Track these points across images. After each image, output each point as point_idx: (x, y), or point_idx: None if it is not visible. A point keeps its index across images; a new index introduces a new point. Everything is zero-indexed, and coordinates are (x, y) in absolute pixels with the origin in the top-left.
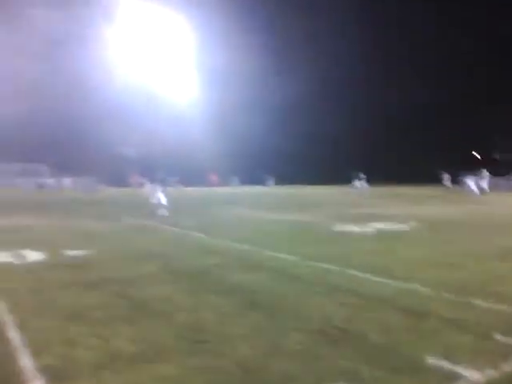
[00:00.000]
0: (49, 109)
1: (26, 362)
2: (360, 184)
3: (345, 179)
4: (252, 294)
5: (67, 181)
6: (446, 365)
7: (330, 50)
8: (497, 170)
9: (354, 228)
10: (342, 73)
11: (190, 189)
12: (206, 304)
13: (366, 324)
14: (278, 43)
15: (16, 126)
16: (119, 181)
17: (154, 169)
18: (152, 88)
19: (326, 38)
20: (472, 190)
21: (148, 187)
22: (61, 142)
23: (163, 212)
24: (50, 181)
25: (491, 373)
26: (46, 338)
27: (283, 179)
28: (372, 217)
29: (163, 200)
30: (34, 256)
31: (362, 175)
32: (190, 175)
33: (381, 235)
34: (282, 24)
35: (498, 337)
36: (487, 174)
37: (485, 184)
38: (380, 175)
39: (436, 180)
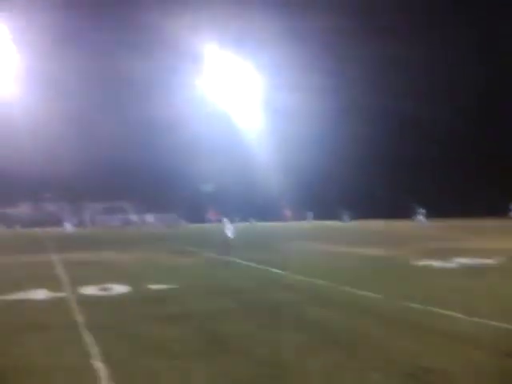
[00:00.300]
0: (131, 151)
1: None
2: (422, 218)
3: (402, 213)
4: (332, 331)
5: (150, 217)
6: None
7: (394, 88)
8: None
9: (436, 263)
10: (406, 111)
11: (264, 224)
12: (284, 339)
13: (451, 365)
14: (341, 83)
15: (102, 166)
16: (198, 217)
17: (228, 204)
18: (227, 127)
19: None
20: None
21: (223, 222)
22: (143, 181)
23: (231, 244)
24: (134, 217)
25: None
26: (129, 371)
27: (357, 213)
28: (453, 251)
29: (231, 234)
30: (119, 289)
31: (421, 209)
32: (265, 211)
33: (466, 270)
34: (346, 65)
35: None
36: None
37: None
38: (434, 208)
39: (497, 211)
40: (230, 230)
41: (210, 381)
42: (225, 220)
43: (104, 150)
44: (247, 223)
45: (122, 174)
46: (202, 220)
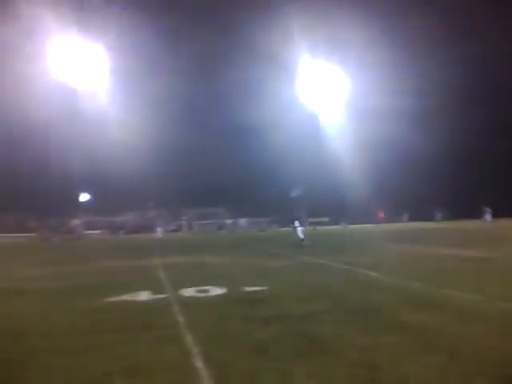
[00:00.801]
0: (225, 158)
1: None
2: (488, 216)
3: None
4: (429, 335)
5: (243, 221)
6: None
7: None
8: None
9: None
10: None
11: (356, 226)
12: (379, 343)
13: None
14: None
15: (198, 175)
16: (289, 221)
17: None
18: (318, 131)
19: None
20: None
21: (294, 225)
22: (237, 187)
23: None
24: (228, 222)
25: None
26: (229, 371)
27: (450, 213)
28: None
29: (302, 235)
30: (216, 291)
31: (488, 208)
32: (357, 212)
33: None
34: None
35: None
36: None
37: None
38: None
39: None
40: (301, 232)
41: (308, 381)
42: (296, 223)
43: (200, 159)
44: (339, 226)
45: (217, 181)
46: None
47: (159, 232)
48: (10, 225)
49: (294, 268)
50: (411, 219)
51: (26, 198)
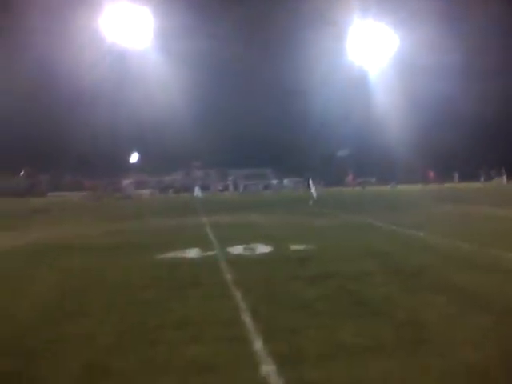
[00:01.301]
0: (272, 118)
1: (258, 346)
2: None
3: None
4: (477, 295)
5: (288, 182)
6: None
7: None
8: None
9: None
10: None
11: (405, 186)
12: (426, 304)
13: None
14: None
15: (244, 136)
16: (336, 181)
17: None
18: (365, 90)
19: None
20: None
21: (309, 184)
22: (283, 148)
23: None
24: (274, 182)
25: None
26: (275, 326)
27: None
28: None
29: (314, 193)
30: (263, 249)
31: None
32: (406, 173)
33: None
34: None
35: None
36: None
37: None
38: None
39: None
40: (314, 190)
41: (354, 339)
42: (310, 182)
43: (248, 120)
44: (387, 186)
45: (263, 142)
46: (341, 184)
47: (197, 191)
48: (65, 185)
49: (341, 227)
50: (461, 179)
51: (81, 159)
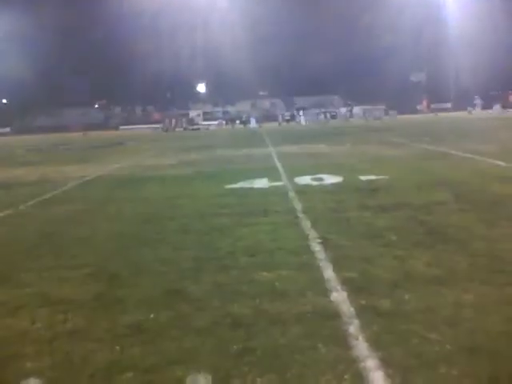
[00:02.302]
0: (340, 42)
1: (329, 273)
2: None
3: None
4: None
5: (359, 110)
6: None
7: None
8: None
9: None
10: None
11: (484, 112)
12: (504, 235)
13: None
14: None
15: (311, 63)
16: (409, 108)
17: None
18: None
19: None
20: None
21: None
22: (352, 74)
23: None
24: (343, 110)
25: None
26: (345, 254)
27: None
28: None
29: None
30: (331, 179)
31: None
32: (484, 98)
33: None
34: None
35: None
36: None
37: None
38: None
39: None
40: (303, 119)
41: (427, 268)
42: (301, 113)
43: (314, 45)
44: (463, 112)
45: (331, 68)
46: (414, 111)
47: (253, 123)
48: (136, 117)
49: (413, 157)
50: None
51: (150, 91)
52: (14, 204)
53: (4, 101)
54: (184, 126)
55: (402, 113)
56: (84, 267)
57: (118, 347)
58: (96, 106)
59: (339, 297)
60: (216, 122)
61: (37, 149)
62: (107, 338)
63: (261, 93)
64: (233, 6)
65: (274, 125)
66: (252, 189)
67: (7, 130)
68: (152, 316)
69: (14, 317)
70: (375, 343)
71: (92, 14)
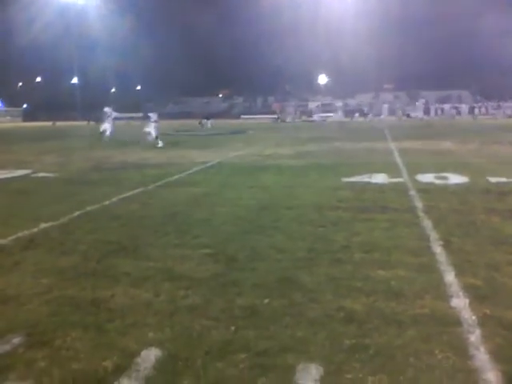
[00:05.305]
0: (469, 36)
1: (450, 278)
2: None
3: None
4: None
5: (491, 106)
6: None
7: None
8: None
9: None
10: None
11: None
12: None
13: None
14: None
15: (436, 51)
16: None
17: None
18: None
19: None
20: None
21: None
22: (482, 69)
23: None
24: (472, 107)
25: None
26: (469, 259)
27: None
28: None
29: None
30: (457, 179)
31: None
32: None
33: None
34: None
35: None
36: None
37: None
38: None
39: None
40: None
41: None
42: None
43: (441, 36)
44: None
45: (458, 62)
46: None
47: (370, 116)
48: (257, 107)
49: None
50: None
51: (271, 82)
52: (144, 183)
53: (138, 87)
54: (302, 116)
55: None
56: (204, 248)
57: (232, 328)
58: (220, 95)
59: (460, 303)
60: (335, 114)
61: (164, 134)
62: (223, 317)
63: (385, 86)
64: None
65: (394, 118)
66: (370, 183)
67: (140, 114)
68: (266, 301)
69: (138, 288)
70: (497, 356)
71: (219, 12)
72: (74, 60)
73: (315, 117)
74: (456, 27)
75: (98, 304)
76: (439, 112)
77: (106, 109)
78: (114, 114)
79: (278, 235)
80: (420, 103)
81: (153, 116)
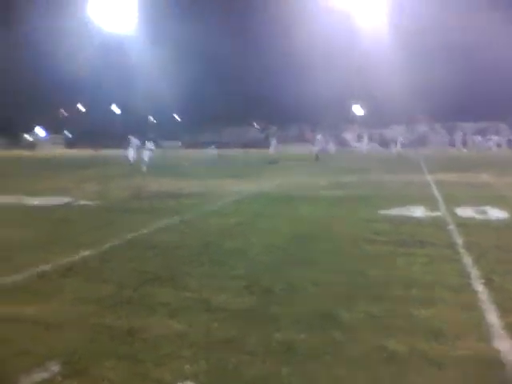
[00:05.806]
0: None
1: (493, 318)
2: None
3: None
4: None
5: None
6: None
7: None
8: None
9: None
10: None
11: None
12: None
13: None
14: None
15: (472, 82)
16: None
17: None
18: None
19: None
20: None
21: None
22: None
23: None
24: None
25: None
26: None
27: None
28: None
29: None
30: (497, 214)
31: None
32: None
33: None
34: None
35: None
36: None
37: None
38: None
39: None
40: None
41: None
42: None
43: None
44: None
45: (496, 94)
46: None
47: (399, 146)
48: (291, 136)
49: None
50: None
51: (305, 111)
52: (180, 212)
53: (176, 116)
54: (336, 147)
55: None
56: (239, 279)
57: (268, 363)
58: (255, 124)
59: (505, 345)
60: (369, 144)
61: (200, 163)
62: (259, 351)
63: (418, 116)
64: (392, 26)
65: (430, 150)
66: (407, 217)
67: (178, 143)
68: (304, 337)
69: (173, 318)
70: None
71: (255, 43)
72: (113, 88)
73: (351, 146)
74: (493, 56)
75: (134, 333)
76: (476, 143)
77: (131, 137)
78: (136, 142)
79: (315, 267)
80: (458, 135)
81: (149, 144)
